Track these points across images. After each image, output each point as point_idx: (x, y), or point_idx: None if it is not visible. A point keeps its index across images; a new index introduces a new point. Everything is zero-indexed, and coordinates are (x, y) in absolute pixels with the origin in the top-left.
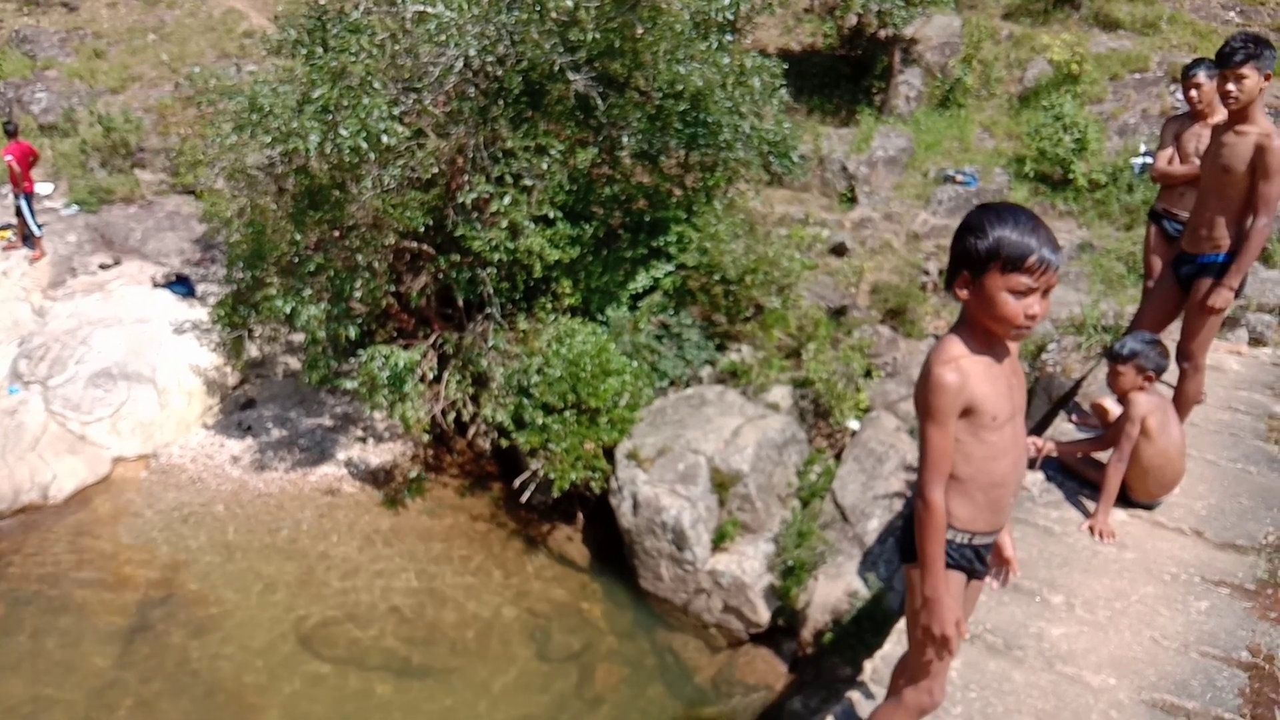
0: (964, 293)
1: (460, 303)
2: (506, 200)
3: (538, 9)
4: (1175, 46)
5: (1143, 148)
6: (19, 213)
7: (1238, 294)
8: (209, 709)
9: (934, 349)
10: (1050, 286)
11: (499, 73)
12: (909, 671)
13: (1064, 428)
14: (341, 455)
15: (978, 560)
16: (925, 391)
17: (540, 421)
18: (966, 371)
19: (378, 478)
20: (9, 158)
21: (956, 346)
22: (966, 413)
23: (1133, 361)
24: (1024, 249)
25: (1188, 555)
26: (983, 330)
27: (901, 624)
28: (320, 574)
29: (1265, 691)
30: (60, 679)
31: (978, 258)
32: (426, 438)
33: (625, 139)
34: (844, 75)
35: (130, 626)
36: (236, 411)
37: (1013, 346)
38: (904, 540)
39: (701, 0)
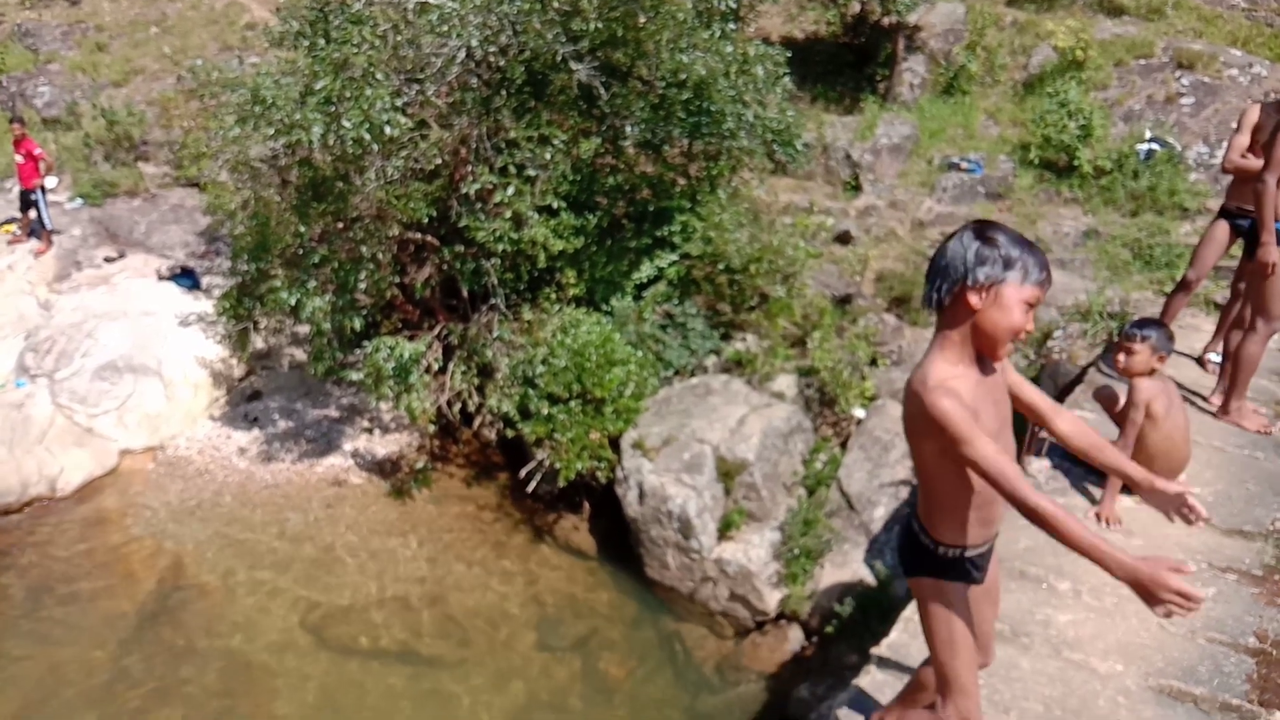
0: (977, 299)
1: (465, 293)
2: (510, 191)
3: None
4: (1180, 32)
5: (1148, 134)
6: (32, 206)
7: None
8: (217, 698)
9: (916, 379)
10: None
11: (501, 63)
12: (941, 687)
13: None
14: (348, 446)
15: (974, 569)
16: (933, 425)
17: (545, 412)
18: (958, 391)
19: (384, 469)
20: (39, 150)
21: (940, 369)
22: None
23: (1149, 340)
24: (1040, 263)
25: (1195, 542)
26: (971, 346)
27: (907, 611)
28: (327, 565)
29: (1273, 677)
30: (70, 669)
31: (999, 266)
32: (432, 428)
33: (628, 128)
34: (847, 63)
35: (138, 617)
36: (242, 403)
37: (998, 364)
38: (904, 552)
39: None
